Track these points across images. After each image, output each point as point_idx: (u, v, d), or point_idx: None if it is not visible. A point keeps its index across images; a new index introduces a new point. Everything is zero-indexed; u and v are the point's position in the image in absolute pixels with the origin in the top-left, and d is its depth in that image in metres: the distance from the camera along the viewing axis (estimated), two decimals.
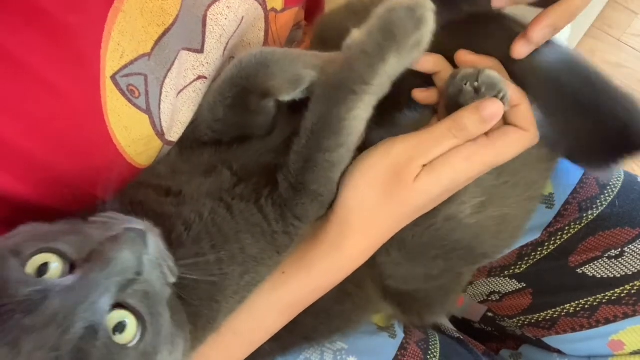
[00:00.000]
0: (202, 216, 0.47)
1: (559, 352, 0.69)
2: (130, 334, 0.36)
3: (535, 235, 0.70)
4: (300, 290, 0.53)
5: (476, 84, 0.51)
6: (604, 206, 0.67)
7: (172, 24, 0.48)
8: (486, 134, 0.52)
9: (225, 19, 0.52)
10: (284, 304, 0.53)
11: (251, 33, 0.57)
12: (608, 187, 0.68)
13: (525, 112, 0.52)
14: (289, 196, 0.50)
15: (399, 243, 0.58)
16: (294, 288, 0.53)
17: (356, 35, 0.49)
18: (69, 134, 0.44)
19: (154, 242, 0.39)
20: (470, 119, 0.50)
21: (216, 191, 0.50)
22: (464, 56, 0.56)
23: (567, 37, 1.43)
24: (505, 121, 0.53)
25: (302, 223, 0.51)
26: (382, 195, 0.52)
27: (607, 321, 0.64)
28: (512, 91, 0.52)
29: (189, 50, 0.50)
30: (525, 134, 0.52)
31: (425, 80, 0.57)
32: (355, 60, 0.48)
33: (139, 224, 0.39)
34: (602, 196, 0.67)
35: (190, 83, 0.53)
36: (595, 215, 0.67)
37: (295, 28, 0.68)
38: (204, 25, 0.51)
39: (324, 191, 0.51)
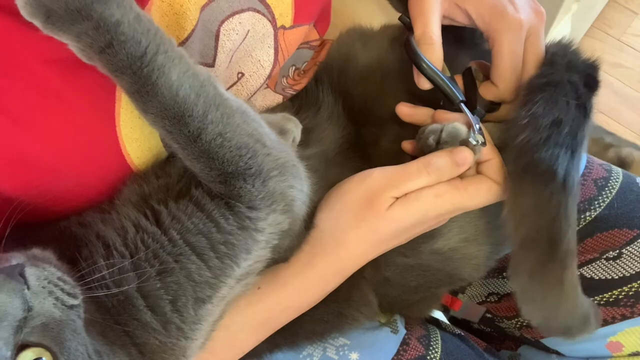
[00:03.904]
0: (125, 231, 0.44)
1: (557, 353, 0.70)
2: None
3: None
4: (275, 307, 0.55)
5: (440, 136, 0.56)
6: (602, 207, 0.67)
7: (187, 38, 0.49)
8: (460, 177, 0.55)
9: (237, 34, 0.53)
10: (258, 320, 0.55)
11: (260, 50, 0.57)
12: (606, 189, 0.68)
13: (497, 166, 0.56)
14: (222, 189, 0.46)
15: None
16: (268, 304, 0.54)
17: None
18: (80, 143, 0.44)
19: (35, 273, 0.37)
20: (444, 161, 0.54)
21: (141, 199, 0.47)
22: (442, 114, 0.60)
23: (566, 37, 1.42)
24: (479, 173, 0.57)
25: (257, 210, 0.46)
26: (354, 219, 0.55)
27: (605, 323, 0.64)
28: (486, 147, 0.56)
29: (202, 64, 0.52)
30: (496, 185, 0.56)
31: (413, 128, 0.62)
32: None
33: (16, 258, 0.37)
34: (600, 197, 0.68)
35: None
36: (593, 216, 0.67)
37: (305, 47, 0.68)
38: (217, 40, 0.52)
39: (238, 162, 0.45)
